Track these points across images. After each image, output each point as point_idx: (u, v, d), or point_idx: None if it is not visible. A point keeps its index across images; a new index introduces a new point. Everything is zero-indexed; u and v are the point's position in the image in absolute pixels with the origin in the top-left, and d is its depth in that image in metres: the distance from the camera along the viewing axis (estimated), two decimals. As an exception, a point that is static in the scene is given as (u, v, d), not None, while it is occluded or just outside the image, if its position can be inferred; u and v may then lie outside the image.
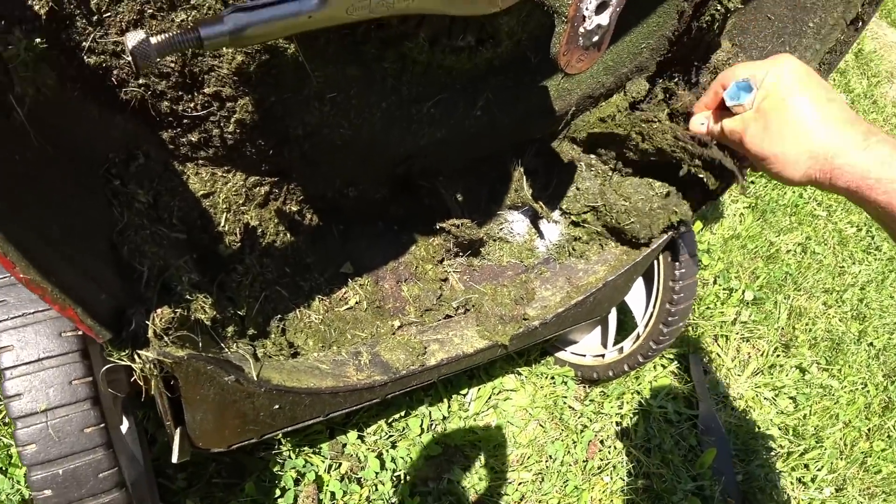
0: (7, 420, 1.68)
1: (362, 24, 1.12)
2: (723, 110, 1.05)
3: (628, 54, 1.47)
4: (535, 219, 1.72)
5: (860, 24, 1.47)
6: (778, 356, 2.93)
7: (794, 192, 3.54)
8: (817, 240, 3.46)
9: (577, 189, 1.64)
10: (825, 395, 2.97)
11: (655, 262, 1.90)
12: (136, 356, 0.95)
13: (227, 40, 0.89)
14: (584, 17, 0.97)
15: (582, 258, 1.66)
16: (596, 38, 1.02)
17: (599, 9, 0.97)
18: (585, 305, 1.64)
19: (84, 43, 0.96)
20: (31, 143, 0.91)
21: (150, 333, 0.95)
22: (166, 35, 0.85)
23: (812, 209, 3.59)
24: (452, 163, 1.50)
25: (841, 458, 2.86)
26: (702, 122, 1.09)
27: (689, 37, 1.53)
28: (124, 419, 1.51)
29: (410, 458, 1.91)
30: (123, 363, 0.96)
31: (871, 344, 3.33)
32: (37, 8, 0.89)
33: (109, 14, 0.94)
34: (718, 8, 1.46)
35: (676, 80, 1.66)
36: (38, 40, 0.90)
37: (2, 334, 1.05)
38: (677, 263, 1.82)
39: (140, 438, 1.59)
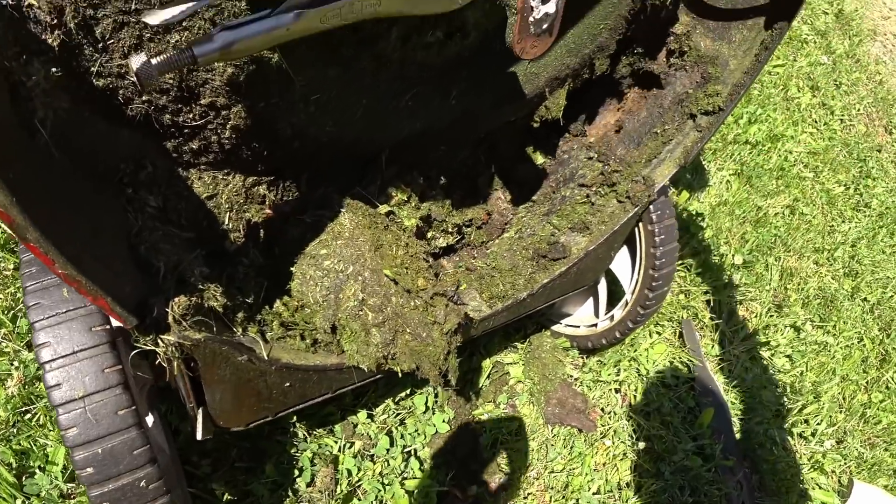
0: (43, 422, 1.82)
1: (338, 30, 1.24)
2: None
3: (588, 35, 1.58)
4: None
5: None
6: (771, 316, 3.04)
7: (779, 155, 3.64)
8: (805, 201, 3.56)
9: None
10: (821, 352, 3.07)
11: (636, 230, 2.00)
12: (159, 340, 1.08)
13: (218, 55, 1.01)
14: (532, 7, 1.09)
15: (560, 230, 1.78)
16: (546, 25, 1.13)
17: (545, -1, 1.09)
18: (570, 275, 1.76)
19: (92, 68, 1.08)
20: (55, 159, 1.04)
21: (171, 319, 1.08)
22: (165, 56, 0.98)
23: (799, 171, 3.68)
24: (433, 151, 1.62)
25: (840, 412, 2.96)
26: None
27: (645, 15, 1.64)
28: (150, 413, 1.64)
29: (418, 433, 2.03)
30: (149, 347, 1.09)
31: (865, 299, 3.42)
32: (50, 41, 1.02)
33: (112, 41, 1.07)
34: (670, -13, 1.58)
35: (640, 53, 1.79)
36: (53, 69, 1.03)
37: (39, 332, 1.18)
38: (657, 230, 1.93)
39: (165, 431, 1.72)
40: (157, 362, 1.31)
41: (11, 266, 2.01)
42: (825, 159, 3.82)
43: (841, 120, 4.11)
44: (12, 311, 1.96)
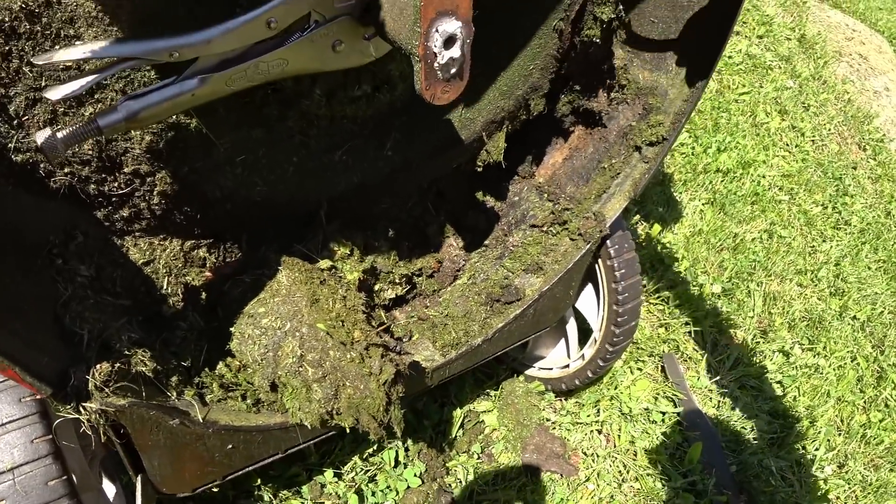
0: None
1: (259, 90, 1.26)
2: None
3: (519, 77, 1.60)
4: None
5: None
6: (757, 343, 2.99)
7: (752, 181, 3.64)
8: (783, 224, 3.55)
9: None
10: (813, 375, 3.01)
11: (597, 266, 1.99)
12: (81, 408, 1.07)
13: (124, 125, 1.03)
14: (435, 53, 1.10)
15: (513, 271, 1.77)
16: (454, 70, 1.15)
17: (448, 43, 1.11)
18: (527, 317, 1.74)
19: (10, 144, 1.10)
20: (-27, 238, 1.05)
21: (91, 387, 1.07)
22: (69, 129, 1.00)
23: (774, 195, 3.68)
24: (376, 204, 1.63)
25: (839, 435, 2.88)
26: None
27: (575, 52, 1.67)
28: (110, 483, 1.61)
29: (390, 489, 1.98)
30: (71, 416, 1.07)
31: (855, 317, 3.37)
32: (-38, 122, 1.04)
33: (27, 117, 1.09)
34: (594, 22, 1.61)
35: (578, 91, 1.81)
36: (-34, 149, 1.05)
37: (-33, 407, 1.17)
38: (616, 265, 1.92)
39: (128, 499, 1.69)
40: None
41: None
42: (800, 181, 3.82)
43: (812, 141, 4.13)
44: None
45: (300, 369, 1.30)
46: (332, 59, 1.20)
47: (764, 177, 3.71)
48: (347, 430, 1.31)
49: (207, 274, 1.45)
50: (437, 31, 1.07)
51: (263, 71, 1.13)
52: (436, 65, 1.12)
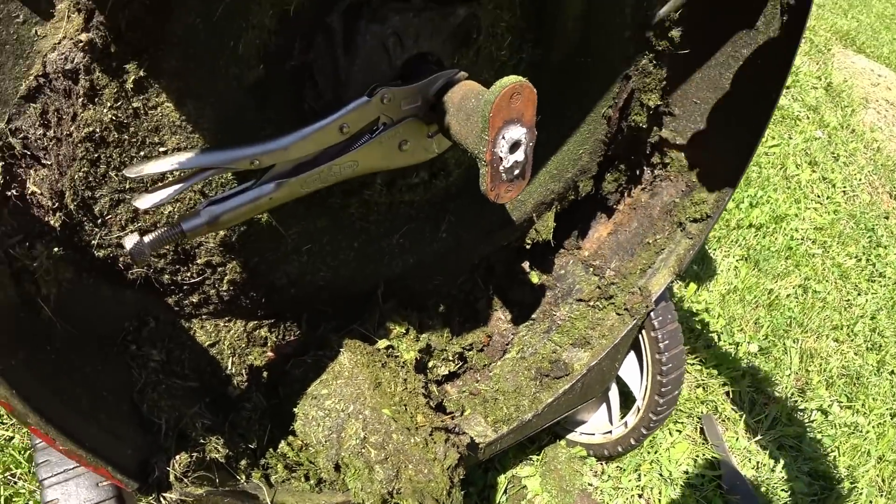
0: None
1: (325, 184, 1.32)
2: None
3: (569, 161, 1.65)
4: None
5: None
6: (795, 402, 2.97)
7: (785, 235, 3.65)
8: (817, 278, 3.54)
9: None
10: (852, 433, 2.97)
11: (640, 337, 2.01)
12: (161, 498, 1.11)
13: (206, 229, 1.09)
14: (501, 158, 1.15)
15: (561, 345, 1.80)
16: (517, 172, 1.19)
17: (513, 148, 1.15)
18: (575, 391, 1.77)
19: (93, 241, 1.16)
20: (58, 330, 1.10)
21: (172, 478, 1.11)
22: (155, 234, 1.06)
23: (807, 249, 3.68)
24: (429, 282, 1.67)
25: (881, 496, 2.84)
26: None
27: (622, 135, 1.72)
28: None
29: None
30: (151, 507, 1.11)
31: (892, 372, 3.34)
32: (52, 222, 1.10)
33: (110, 216, 1.15)
34: (641, 108, 1.66)
35: (623, 169, 1.85)
36: (55, 249, 1.11)
37: (48, 490, 1.22)
38: (660, 336, 1.93)
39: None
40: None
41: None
42: (832, 233, 3.82)
43: (843, 192, 4.14)
44: (27, 451, 1.99)
45: (363, 451, 1.33)
46: (398, 157, 1.25)
47: (797, 230, 3.71)
48: (404, 510, 1.34)
49: (270, 354, 1.50)
50: (503, 137, 1.12)
51: (336, 173, 1.18)
52: (501, 168, 1.16)
